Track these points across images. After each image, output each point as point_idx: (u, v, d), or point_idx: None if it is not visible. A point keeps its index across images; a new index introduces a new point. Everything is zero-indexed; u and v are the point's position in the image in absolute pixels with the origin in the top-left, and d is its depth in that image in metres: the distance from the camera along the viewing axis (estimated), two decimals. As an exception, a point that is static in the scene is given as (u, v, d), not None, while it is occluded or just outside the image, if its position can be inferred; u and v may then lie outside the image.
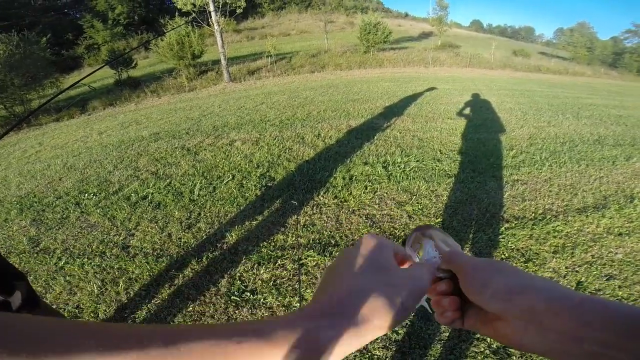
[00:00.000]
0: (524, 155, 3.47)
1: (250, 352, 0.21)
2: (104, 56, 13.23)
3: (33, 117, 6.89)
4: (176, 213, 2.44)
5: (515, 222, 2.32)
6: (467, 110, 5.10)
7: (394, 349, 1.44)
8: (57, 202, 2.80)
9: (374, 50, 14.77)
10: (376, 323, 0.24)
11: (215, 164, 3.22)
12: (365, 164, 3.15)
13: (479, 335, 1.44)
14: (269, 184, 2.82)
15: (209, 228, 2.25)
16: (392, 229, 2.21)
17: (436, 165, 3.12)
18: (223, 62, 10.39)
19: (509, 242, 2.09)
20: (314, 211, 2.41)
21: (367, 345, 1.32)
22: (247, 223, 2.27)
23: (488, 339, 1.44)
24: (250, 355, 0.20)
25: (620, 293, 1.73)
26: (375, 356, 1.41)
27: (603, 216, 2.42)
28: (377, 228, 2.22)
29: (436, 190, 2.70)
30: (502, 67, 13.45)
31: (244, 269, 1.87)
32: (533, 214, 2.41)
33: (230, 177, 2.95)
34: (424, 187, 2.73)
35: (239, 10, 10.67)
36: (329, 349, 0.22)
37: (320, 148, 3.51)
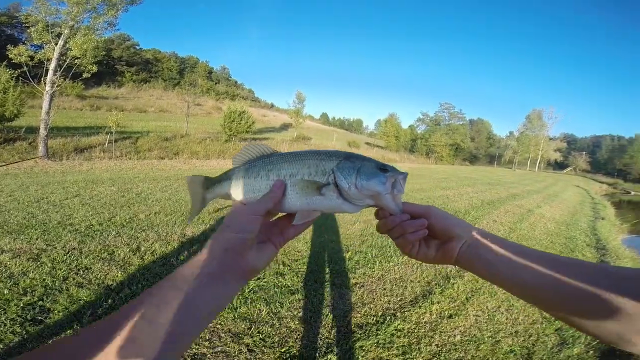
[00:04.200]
0: (358, 255, 3.71)
1: None
2: None
3: None
4: None
5: (360, 332, 2.37)
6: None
7: None
8: None
9: (235, 140, 15.30)
10: None
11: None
12: (194, 287, 2.69)
13: None
14: (39, 318, 1.99)
15: None
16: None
17: (279, 281, 2.88)
18: (42, 131, 8.27)
19: (360, 357, 2.10)
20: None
21: None
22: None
23: None
24: None
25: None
26: None
27: (432, 302, 2.76)
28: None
29: (279, 312, 2.44)
30: (342, 158, 16.74)
31: None
32: (374, 318, 2.56)
33: (-26, 307, 1.98)
34: (265, 310, 2.42)
35: (86, 75, 9.04)
36: None
37: (135, 268, 2.77)
